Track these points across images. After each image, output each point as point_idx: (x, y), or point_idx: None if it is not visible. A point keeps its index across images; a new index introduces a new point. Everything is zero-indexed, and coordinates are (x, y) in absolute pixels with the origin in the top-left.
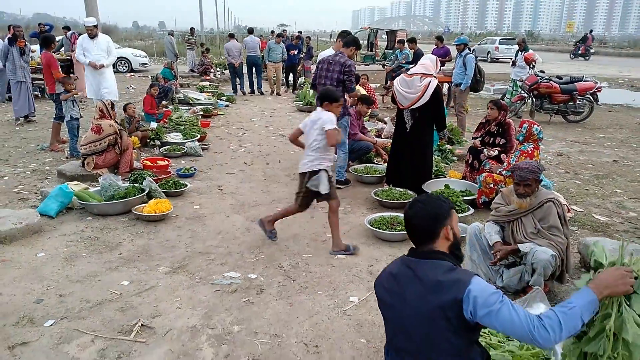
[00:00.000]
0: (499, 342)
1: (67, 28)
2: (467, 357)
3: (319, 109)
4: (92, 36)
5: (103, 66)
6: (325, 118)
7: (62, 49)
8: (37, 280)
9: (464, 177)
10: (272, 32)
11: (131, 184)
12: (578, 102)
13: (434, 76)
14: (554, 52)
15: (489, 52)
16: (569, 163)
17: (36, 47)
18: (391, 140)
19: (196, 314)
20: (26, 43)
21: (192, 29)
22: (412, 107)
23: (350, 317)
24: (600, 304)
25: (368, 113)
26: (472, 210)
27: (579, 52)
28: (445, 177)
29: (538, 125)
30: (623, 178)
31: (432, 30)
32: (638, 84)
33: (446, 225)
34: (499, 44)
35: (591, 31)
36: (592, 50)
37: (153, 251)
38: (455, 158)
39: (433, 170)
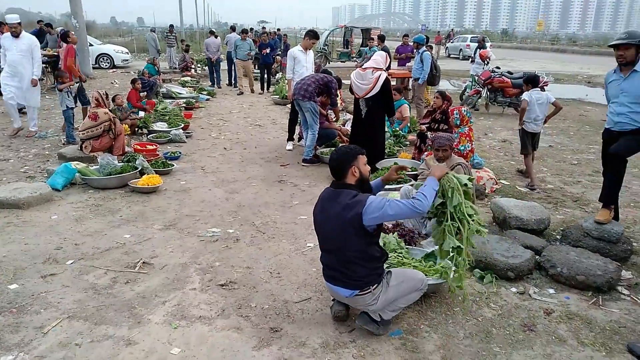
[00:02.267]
0: (409, 262)
1: (49, 25)
2: (367, 253)
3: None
4: (16, 35)
5: (37, 83)
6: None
7: (48, 45)
8: (54, 235)
9: (413, 158)
10: (244, 30)
11: (126, 163)
12: None
13: (384, 70)
14: (525, 50)
15: (460, 49)
16: (509, 148)
17: None
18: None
19: (185, 255)
20: None
21: (171, 26)
22: (366, 96)
23: (306, 255)
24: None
25: (328, 104)
26: (413, 182)
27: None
28: (396, 157)
29: (463, 107)
30: (552, 159)
31: (411, 28)
32: (595, 81)
33: (352, 165)
34: (470, 42)
35: (452, 29)
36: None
37: (148, 214)
38: (407, 142)
39: (386, 152)
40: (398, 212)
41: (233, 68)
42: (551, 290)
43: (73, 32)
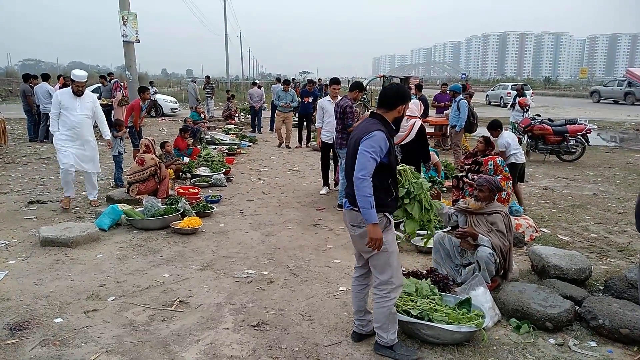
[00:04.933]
0: (441, 309)
1: (103, 77)
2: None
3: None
4: (81, 93)
5: (110, 143)
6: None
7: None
8: (98, 272)
9: (455, 201)
10: (286, 81)
11: (169, 205)
12: (570, 142)
13: (419, 117)
14: (568, 97)
15: (501, 97)
16: (551, 195)
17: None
18: None
19: (220, 295)
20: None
21: (207, 77)
22: (401, 143)
23: (338, 299)
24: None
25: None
26: (449, 228)
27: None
28: None
29: (498, 158)
30: (596, 208)
31: (451, 76)
32: None
33: (403, 105)
34: (511, 89)
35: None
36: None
37: (187, 255)
38: (445, 189)
39: None
40: (359, 161)
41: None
42: (592, 343)
43: (150, 91)
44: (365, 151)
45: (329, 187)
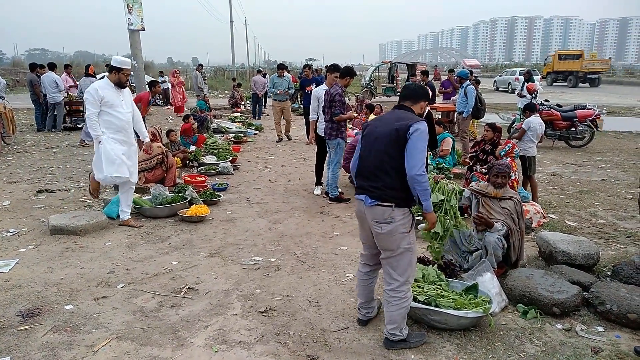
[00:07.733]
0: (448, 295)
1: (109, 66)
2: (403, 166)
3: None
4: (123, 85)
5: (147, 150)
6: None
7: None
8: (108, 260)
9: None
10: (280, 65)
11: (176, 194)
12: (579, 128)
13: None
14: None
15: (509, 83)
16: (559, 181)
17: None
18: None
19: (228, 282)
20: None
21: (199, 65)
22: None
23: (345, 285)
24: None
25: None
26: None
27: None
28: None
29: (517, 148)
30: (604, 194)
31: (459, 62)
32: None
33: (425, 101)
34: (519, 75)
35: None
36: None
37: (194, 242)
38: (452, 175)
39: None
40: (414, 152)
41: None
42: (600, 328)
43: (160, 84)
44: (422, 147)
45: (322, 186)
